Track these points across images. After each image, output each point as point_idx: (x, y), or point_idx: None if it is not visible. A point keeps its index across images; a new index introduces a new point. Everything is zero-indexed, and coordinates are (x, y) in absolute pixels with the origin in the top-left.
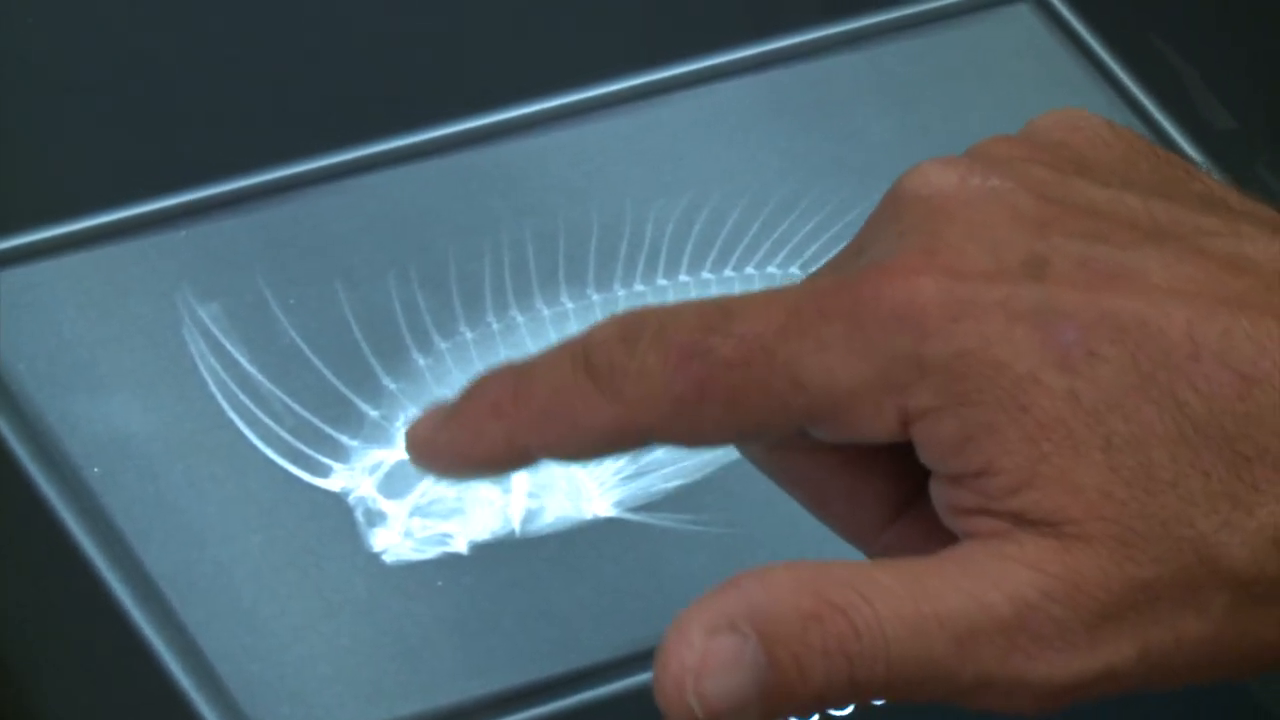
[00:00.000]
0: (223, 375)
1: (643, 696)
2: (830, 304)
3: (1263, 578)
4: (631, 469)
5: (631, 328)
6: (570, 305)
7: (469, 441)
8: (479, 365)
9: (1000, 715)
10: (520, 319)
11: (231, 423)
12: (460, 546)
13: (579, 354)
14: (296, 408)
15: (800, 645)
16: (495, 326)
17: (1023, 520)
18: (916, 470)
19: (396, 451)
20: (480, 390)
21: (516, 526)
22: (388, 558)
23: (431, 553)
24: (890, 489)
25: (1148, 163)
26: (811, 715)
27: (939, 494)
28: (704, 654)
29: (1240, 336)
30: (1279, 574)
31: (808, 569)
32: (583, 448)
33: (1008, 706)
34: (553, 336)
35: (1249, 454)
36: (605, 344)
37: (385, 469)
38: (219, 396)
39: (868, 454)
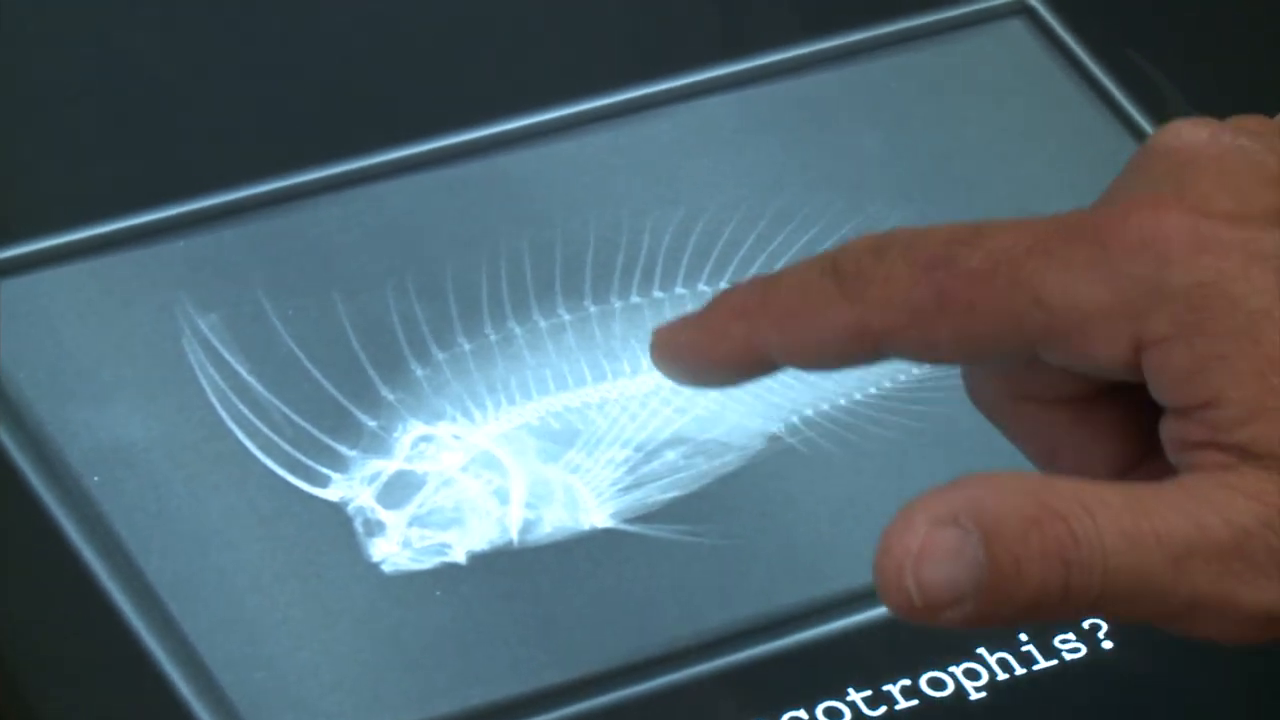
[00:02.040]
0: (222, 385)
1: (641, 707)
2: (1078, 230)
3: None
4: (628, 480)
5: (883, 240)
6: (567, 317)
7: (711, 342)
8: (477, 376)
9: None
10: (518, 330)
11: (231, 432)
12: (458, 556)
13: (828, 261)
14: (295, 418)
15: (1020, 546)
16: (493, 338)
17: (1248, 454)
18: (1146, 428)
19: (395, 461)
20: (727, 295)
21: (514, 537)
22: (386, 567)
23: (430, 563)
24: (1120, 446)
25: None
26: (1024, 621)
27: (1168, 431)
28: (926, 541)
29: None
30: None
31: (1033, 478)
32: (821, 350)
33: (1216, 632)
34: (550, 348)
35: None
36: (855, 252)
37: (384, 479)
38: (218, 406)
39: (1099, 408)
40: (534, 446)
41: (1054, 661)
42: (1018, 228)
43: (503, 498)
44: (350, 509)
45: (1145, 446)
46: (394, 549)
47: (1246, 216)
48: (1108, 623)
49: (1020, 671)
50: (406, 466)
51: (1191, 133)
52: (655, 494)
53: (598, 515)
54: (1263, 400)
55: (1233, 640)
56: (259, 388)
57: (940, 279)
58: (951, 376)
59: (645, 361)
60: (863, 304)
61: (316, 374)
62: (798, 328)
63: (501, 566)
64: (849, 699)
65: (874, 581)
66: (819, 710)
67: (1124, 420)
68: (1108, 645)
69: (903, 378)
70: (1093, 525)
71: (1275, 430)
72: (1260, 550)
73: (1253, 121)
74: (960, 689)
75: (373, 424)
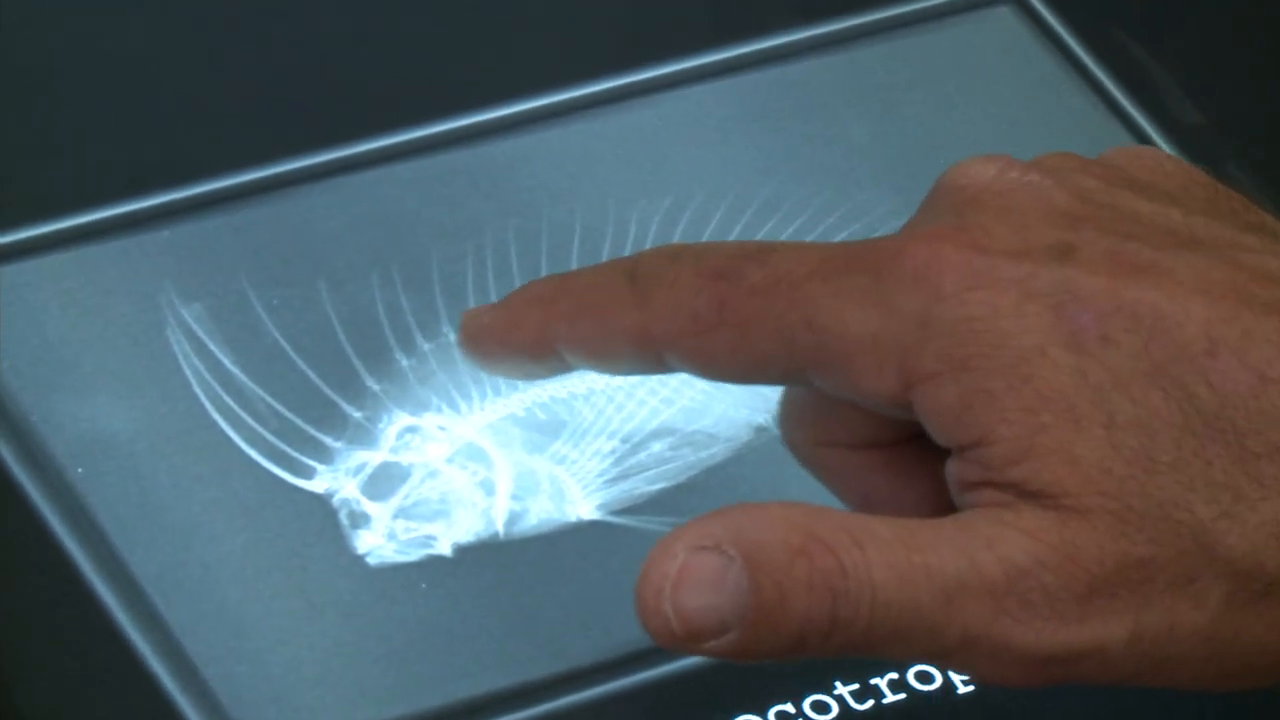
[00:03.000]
0: (206, 376)
1: (628, 700)
2: (859, 259)
3: (1261, 573)
4: (615, 472)
5: (681, 248)
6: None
7: (507, 327)
8: (462, 367)
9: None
10: None
11: (215, 423)
12: (444, 549)
13: (629, 263)
14: (280, 409)
15: (785, 576)
16: None
17: (1023, 491)
18: None
19: (380, 453)
20: (531, 284)
21: (500, 529)
22: (371, 560)
23: (415, 555)
24: (931, 491)
25: (1204, 191)
26: (790, 657)
27: (950, 472)
28: (685, 567)
29: (1262, 338)
30: (1279, 571)
31: (800, 509)
32: (606, 351)
33: (992, 673)
34: None
35: (1258, 450)
36: (653, 257)
37: (369, 470)
38: (202, 397)
39: (908, 453)
40: (520, 438)
41: None
42: (806, 251)
43: (488, 489)
44: (335, 501)
45: None
46: (379, 541)
47: (1025, 252)
48: (879, 663)
49: None
50: (392, 458)
51: (979, 169)
52: (642, 485)
53: (584, 507)
54: (1033, 438)
55: (1012, 683)
56: (243, 378)
57: (722, 290)
58: None
59: None
60: (648, 308)
61: (301, 364)
62: (586, 324)
63: (487, 559)
64: (836, 693)
65: (636, 611)
66: (806, 704)
67: (932, 464)
68: None
69: None
70: (862, 557)
71: (1047, 468)
72: (1033, 589)
73: (1055, 158)
74: (948, 683)
75: (358, 415)
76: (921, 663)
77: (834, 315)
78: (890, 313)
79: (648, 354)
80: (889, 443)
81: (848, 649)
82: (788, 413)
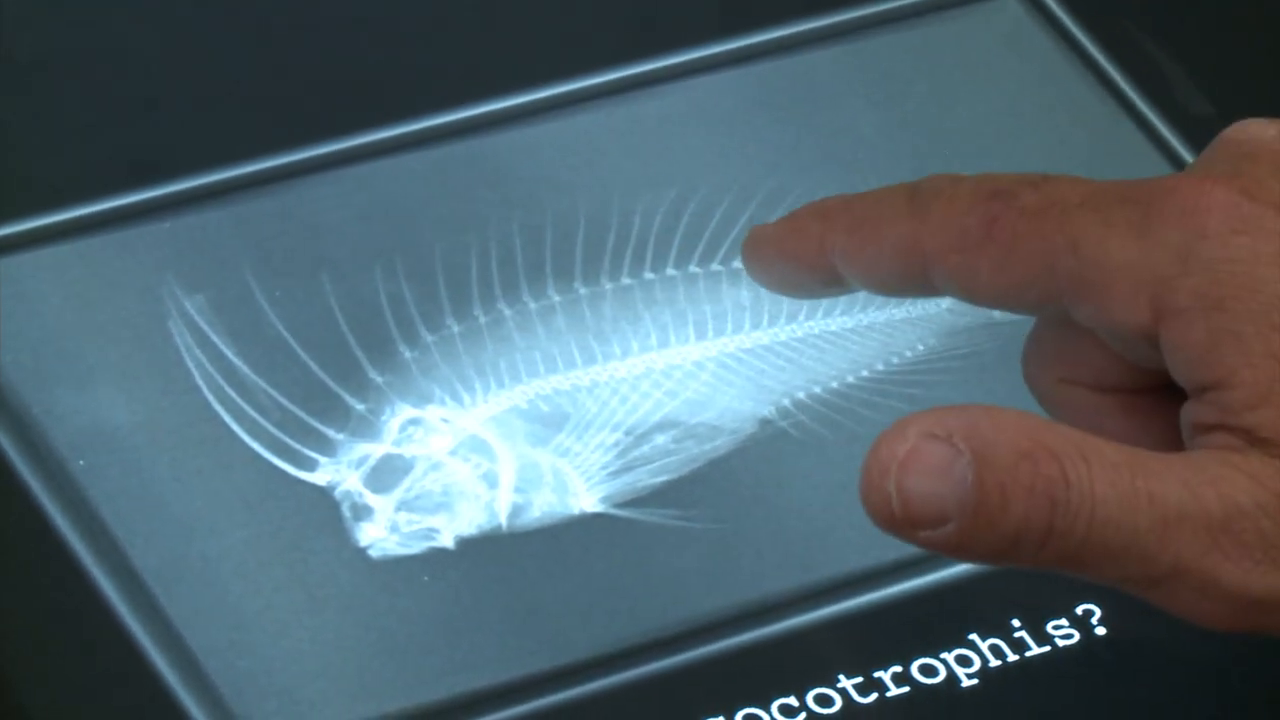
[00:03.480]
0: (208, 368)
1: (631, 693)
2: (1131, 193)
3: None
4: (618, 464)
5: (964, 175)
6: (557, 298)
7: (789, 236)
8: (466, 359)
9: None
10: (507, 312)
11: (217, 416)
12: (447, 541)
13: (914, 183)
14: (282, 401)
15: (1009, 476)
16: (482, 320)
17: (1255, 438)
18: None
19: (383, 445)
20: (819, 200)
21: (503, 522)
22: (374, 553)
23: (418, 548)
24: (1164, 440)
25: None
26: (1005, 561)
27: (1185, 416)
28: (914, 450)
29: None
30: None
31: (1036, 418)
32: (877, 263)
33: (1196, 609)
34: (540, 330)
35: None
36: (938, 178)
37: (371, 463)
38: (205, 389)
39: (1147, 400)
40: (523, 430)
41: (1047, 648)
42: (1081, 182)
43: (491, 482)
44: (337, 493)
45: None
46: (381, 534)
47: None
48: (1090, 582)
49: (1013, 658)
50: (394, 450)
51: (1261, 128)
52: (645, 478)
53: (587, 500)
54: (1273, 385)
55: (1209, 622)
56: (246, 370)
57: (995, 208)
58: (944, 360)
59: (636, 344)
60: (922, 221)
61: (304, 356)
62: (863, 234)
63: (490, 551)
64: (840, 686)
65: (859, 488)
66: (809, 697)
67: (1169, 415)
68: (1101, 631)
69: (895, 360)
70: (1086, 472)
71: None
72: (1250, 530)
73: None
74: (952, 675)
75: (361, 407)
76: (1127, 590)
77: (1098, 242)
78: (1152, 244)
79: (915, 269)
80: (1130, 388)
81: (1061, 562)
82: (1035, 347)
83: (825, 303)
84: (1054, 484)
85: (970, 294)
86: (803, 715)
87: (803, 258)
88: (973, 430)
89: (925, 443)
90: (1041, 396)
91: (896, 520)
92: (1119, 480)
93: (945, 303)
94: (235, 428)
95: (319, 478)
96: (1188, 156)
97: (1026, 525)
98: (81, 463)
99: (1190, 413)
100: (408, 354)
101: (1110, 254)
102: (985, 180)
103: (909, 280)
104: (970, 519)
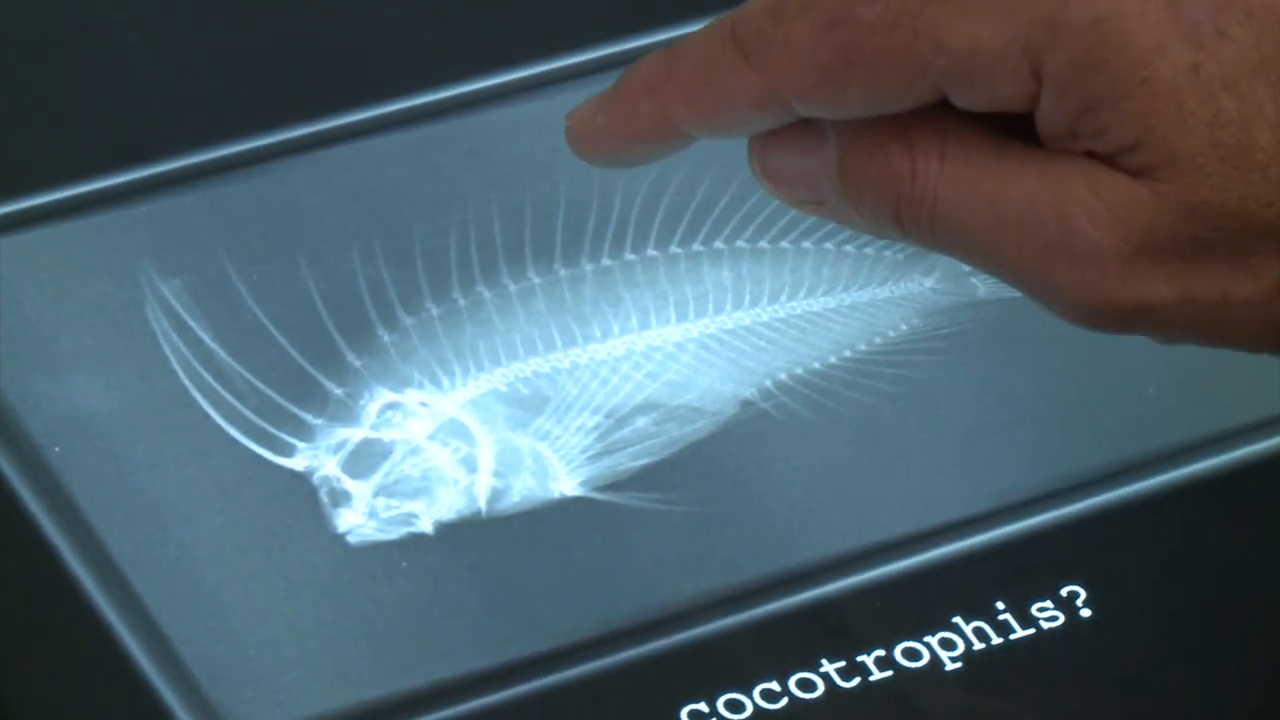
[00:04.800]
0: (185, 353)
1: (611, 678)
2: None
3: None
4: (599, 447)
5: (778, 2)
6: (537, 280)
7: (623, 121)
8: (445, 342)
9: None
10: (486, 295)
11: (194, 401)
12: (425, 526)
13: (727, 29)
14: (260, 385)
15: (863, 166)
16: (461, 302)
17: (1112, 160)
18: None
19: (361, 430)
20: (633, 73)
21: (482, 506)
22: (352, 538)
23: (396, 533)
24: None
25: None
26: (885, 238)
27: (1052, 119)
28: (783, 130)
29: None
30: None
31: (923, 111)
32: (733, 118)
33: (1057, 309)
34: (519, 312)
35: None
36: (752, 17)
37: (350, 448)
38: (181, 374)
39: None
40: (503, 413)
41: (1031, 631)
42: None
43: (471, 466)
44: (315, 478)
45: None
46: (360, 519)
47: None
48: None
49: (996, 641)
50: (373, 435)
51: None
52: (626, 461)
53: (567, 483)
54: (1141, 137)
55: (1080, 324)
56: (223, 355)
57: (842, 36)
58: (928, 340)
59: (616, 326)
60: (769, 69)
61: (282, 340)
62: (706, 99)
63: (469, 536)
64: (822, 670)
65: None
66: (792, 681)
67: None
68: (1086, 613)
69: (878, 341)
70: (937, 168)
71: (1144, 153)
72: (1080, 242)
73: None
74: (936, 659)
75: (339, 391)
76: (989, 274)
77: (964, 34)
78: (1020, 19)
79: (774, 114)
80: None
81: (923, 247)
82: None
83: (807, 283)
84: (900, 177)
85: (842, 115)
86: (785, 700)
87: (644, 137)
88: (845, 122)
89: (797, 125)
90: None
91: (771, 188)
92: (964, 180)
93: (929, 282)
94: (212, 413)
95: (297, 463)
96: None
97: (878, 212)
98: (57, 449)
99: (1059, 120)
100: (386, 337)
101: (982, 41)
102: (813, 6)
103: (769, 122)
104: (839, 199)
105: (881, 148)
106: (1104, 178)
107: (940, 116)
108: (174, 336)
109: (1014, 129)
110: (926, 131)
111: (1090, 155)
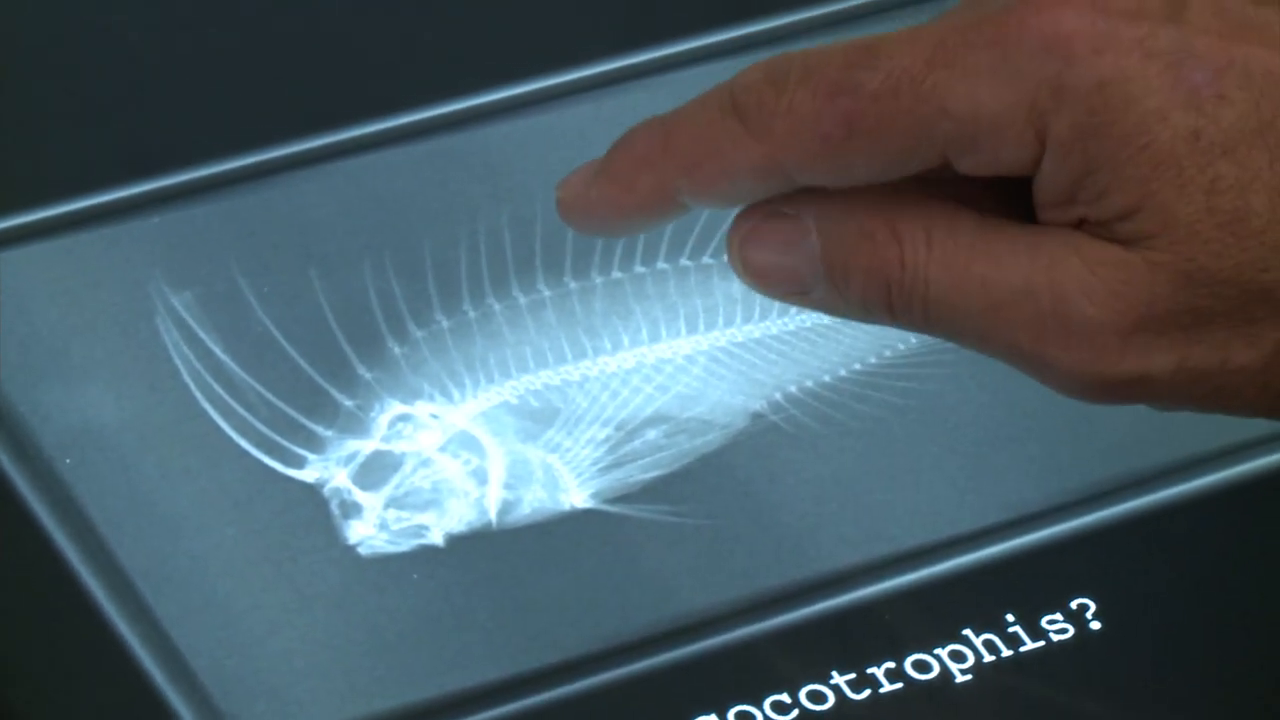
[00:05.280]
0: (196, 365)
1: (622, 691)
2: (976, 35)
3: None
4: (609, 460)
5: (777, 70)
6: (547, 293)
7: (620, 195)
8: (455, 354)
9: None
10: (497, 307)
11: (205, 413)
12: (436, 539)
13: (726, 98)
14: (271, 398)
15: (850, 255)
16: (472, 315)
17: (1107, 228)
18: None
19: (372, 442)
20: (629, 143)
21: (493, 518)
22: (363, 550)
23: (407, 545)
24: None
25: None
26: (878, 324)
27: (1046, 187)
28: (758, 227)
29: None
30: None
31: (899, 196)
32: (735, 189)
33: (1051, 384)
34: (530, 325)
35: None
36: (752, 86)
37: (360, 460)
38: (192, 386)
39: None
40: (513, 425)
41: (1041, 643)
42: (913, 41)
43: (481, 478)
44: (326, 490)
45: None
46: (370, 531)
47: (1142, 11)
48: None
49: (1006, 653)
50: (384, 447)
51: None
52: (636, 473)
53: (578, 495)
54: (1140, 202)
55: (1074, 397)
56: (234, 367)
57: (845, 105)
58: (937, 353)
59: (627, 338)
60: (771, 140)
61: (292, 353)
62: (707, 171)
63: (480, 549)
64: (832, 682)
65: None
66: (802, 693)
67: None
68: (1095, 626)
69: (888, 353)
70: (925, 254)
71: (1141, 221)
72: (1075, 318)
73: None
74: (946, 671)
75: (349, 403)
76: (1003, 362)
77: (967, 99)
78: (1025, 84)
79: (777, 184)
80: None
81: (916, 330)
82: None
83: None
84: (889, 265)
85: (844, 184)
86: (795, 712)
87: (642, 210)
88: (824, 208)
89: (770, 219)
90: None
91: (755, 285)
92: (955, 264)
93: None
94: (223, 425)
95: (307, 475)
96: None
97: (868, 300)
98: (68, 461)
99: (1052, 189)
100: (397, 350)
101: (985, 105)
102: (814, 75)
103: (770, 191)
104: (826, 289)
105: (867, 237)
106: (1097, 251)
107: (924, 197)
108: (185, 348)
109: (1000, 198)
110: (911, 214)
111: (1082, 225)
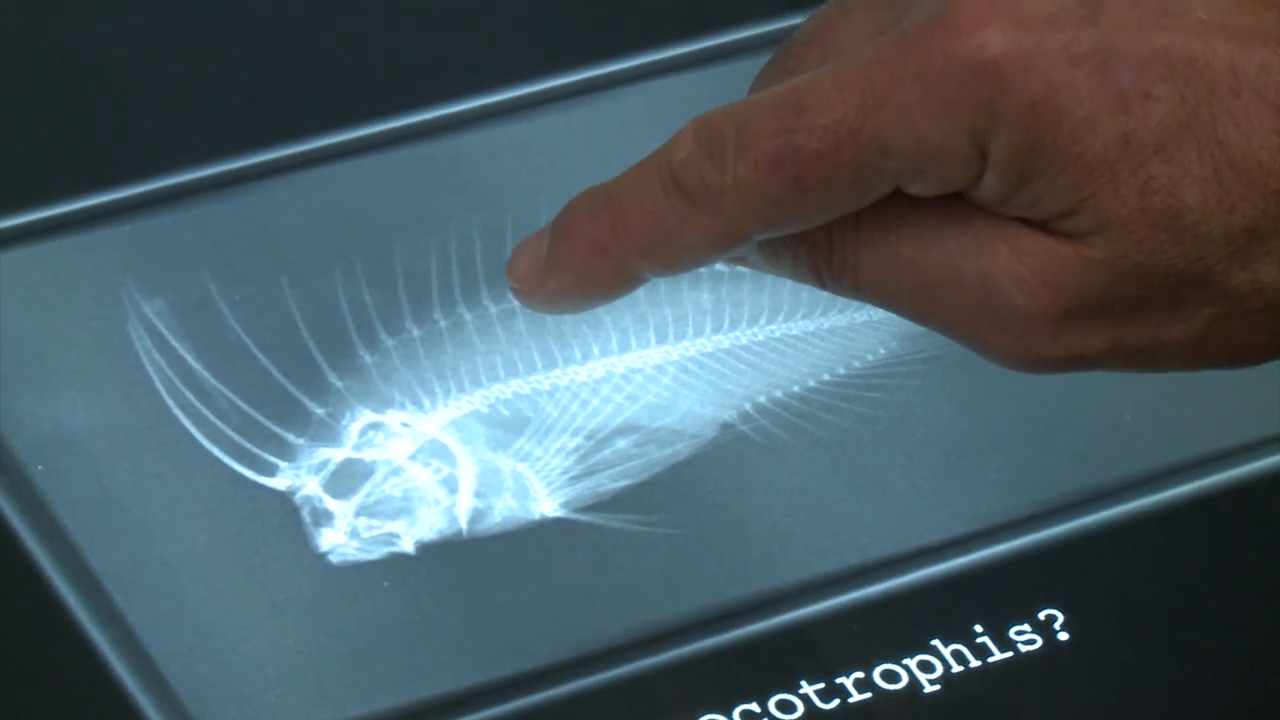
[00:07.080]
0: (168, 372)
1: (591, 700)
2: (900, 70)
3: (1259, 295)
4: (579, 469)
5: (711, 141)
6: (518, 303)
7: (578, 281)
8: (426, 363)
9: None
10: (467, 316)
11: (177, 420)
12: (407, 547)
13: (666, 176)
14: (242, 405)
15: (784, 245)
16: (442, 324)
17: (1042, 224)
18: None
19: (343, 450)
20: (576, 229)
21: (464, 527)
22: (334, 558)
23: (378, 553)
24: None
25: None
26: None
27: (988, 186)
28: None
29: (1275, 69)
30: (1277, 291)
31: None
32: (694, 261)
33: (989, 357)
34: (500, 334)
35: (1277, 188)
36: (691, 164)
37: (332, 468)
38: (164, 394)
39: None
40: (484, 434)
41: (1009, 654)
42: (839, 87)
43: (452, 486)
44: (297, 498)
45: None
46: (341, 539)
47: (1062, 13)
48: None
49: (975, 664)
50: (355, 455)
51: None
52: (606, 482)
53: (548, 504)
54: (1075, 206)
55: (1012, 369)
56: (205, 374)
57: (788, 169)
58: (906, 364)
59: (597, 348)
60: (723, 215)
61: (264, 360)
62: (666, 251)
63: (450, 557)
64: (801, 691)
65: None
66: (771, 703)
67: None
68: (1064, 637)
69: (857, 364)
70: (853, 238)
71: (1077, 221)
72: (1005, 306)
73: None
74: (914, 681)
75: (321, 411)
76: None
77: (907, 136)
78: (961, 112)
79: (738, 250)
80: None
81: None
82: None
83: (786, 307)
84: (818, 249)
85: (804, 229)
86: None
87: (602, 293)
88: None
89: None
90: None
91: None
92: (883, 247)
93: None
94: (195, 432)
95: (279, 482)
96: None
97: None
98: (40, 468)
99: (987, 193)
100: (368, 358)
101: (926, 139)
102: (749, 148)
103: (733, 252)
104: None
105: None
106: (1028, 242)
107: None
108: (157, 356)
109: None
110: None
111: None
